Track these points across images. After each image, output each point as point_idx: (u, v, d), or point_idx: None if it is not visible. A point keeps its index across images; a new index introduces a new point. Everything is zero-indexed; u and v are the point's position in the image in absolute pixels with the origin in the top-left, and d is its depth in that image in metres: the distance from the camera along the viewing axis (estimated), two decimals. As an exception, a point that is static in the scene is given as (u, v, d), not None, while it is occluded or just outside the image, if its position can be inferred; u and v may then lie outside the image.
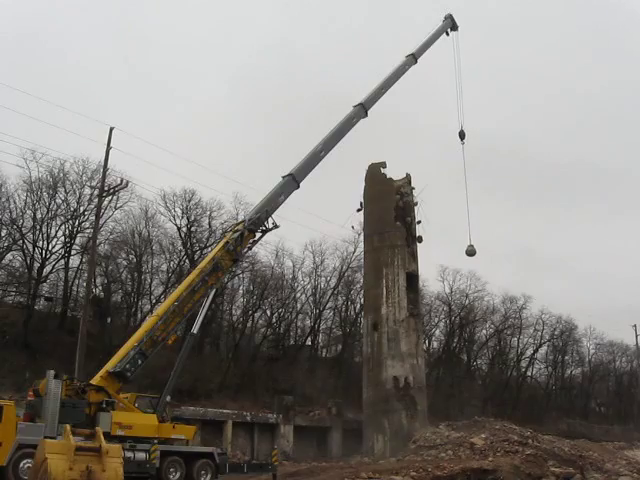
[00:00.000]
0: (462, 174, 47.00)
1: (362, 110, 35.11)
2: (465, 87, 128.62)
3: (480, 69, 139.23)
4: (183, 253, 48.43)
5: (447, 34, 45.12)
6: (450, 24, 45.40)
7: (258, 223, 27.65)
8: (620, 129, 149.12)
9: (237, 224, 28.36)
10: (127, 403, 22.76)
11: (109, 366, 22.26)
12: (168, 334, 23.71)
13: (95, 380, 21.92)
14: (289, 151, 33.06)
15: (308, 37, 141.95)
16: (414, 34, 45.73)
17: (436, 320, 67.72)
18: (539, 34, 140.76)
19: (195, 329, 25.40)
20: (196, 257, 45.80)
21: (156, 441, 22.07)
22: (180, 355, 25.05)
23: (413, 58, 40.18)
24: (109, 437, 20.29)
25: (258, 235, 28.01)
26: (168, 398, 24.35)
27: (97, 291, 45.90)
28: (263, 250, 53.64)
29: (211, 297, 26.15)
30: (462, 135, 46.29)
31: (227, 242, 26.38)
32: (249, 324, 54.12)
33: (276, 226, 28.15)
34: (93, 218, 38.70)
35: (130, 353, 22.41)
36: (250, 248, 29.48)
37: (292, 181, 29.94)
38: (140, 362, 22.59)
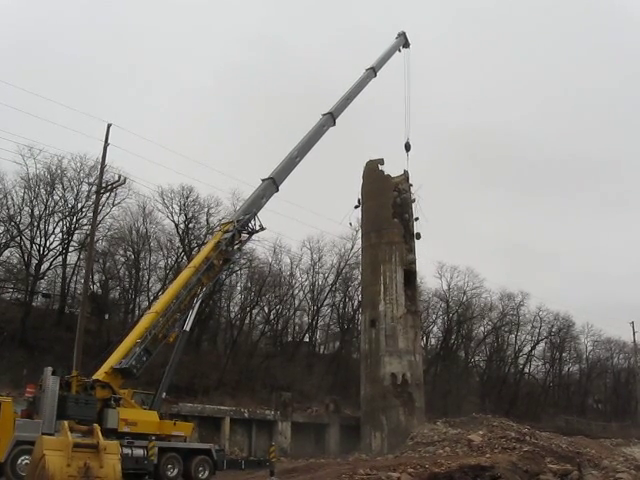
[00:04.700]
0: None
1: (331, 119, 36.00)
2: (466, 83, 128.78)
3: (481, 67, 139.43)
4: (181, 250, 48.34)
5: (399, 51, 45.71)
6: (403, 41, 46.19)
7: (246, 224, 27.96)
8: (617, 126, 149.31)
9: (226, 224, 28.57)
10: (129, 399, 22.80)
11: (113, 362, 22.25)
12: (168, 331, 23.77)
13: (99, 376, 21.95)
14: (287, 147, 33.29)
15: (302, 32, 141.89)
16: (407, 29, 45.93)
17: (434, 317, 67.87)
18: (540, 36, 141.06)
19: (187, 327, 25.49)
20: (193, 254, 45.73)
21: (154, 437, 22.10)
22: (174, 353, 25.10)
23: (373, 72, 40.87)
24: (116, 434, 20.36)
25: (245, 236, 28.37)
26: (163, 395, 24.39)
27: (95, 288, 45.84)
28: (261, 247, 53.73)
29: (201, 296, 26.36)
30: (407, 147, 46.56)
31: (219, 242, 26.58)
32: (247, 321, 54.14)
33: (262, 228, 28.70)
34: (91, 215, 38.61)
35: (135, 350, 22.44)
36: (239, 249, 29.91)
37: (272, 184, 30.56)
38: (145, 359, 22.67)
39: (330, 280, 58.45)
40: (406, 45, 46.36)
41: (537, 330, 72.90)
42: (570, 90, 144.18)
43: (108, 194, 39.75)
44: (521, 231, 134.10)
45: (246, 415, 39.56)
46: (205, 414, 36.95)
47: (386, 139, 79.04)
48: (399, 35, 46.12)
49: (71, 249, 43.32)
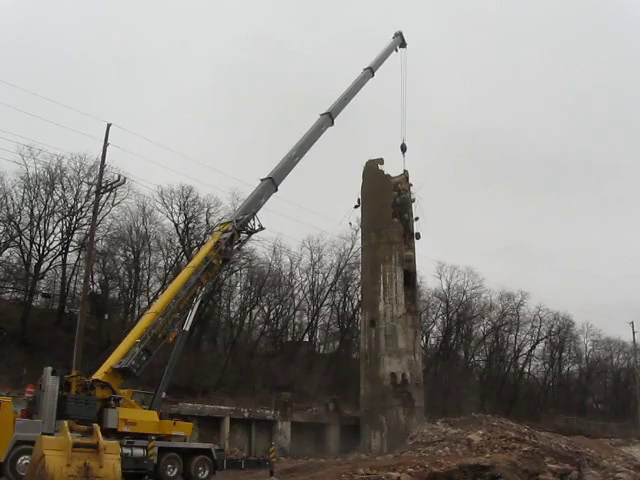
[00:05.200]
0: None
1: (329, 119, 36.05)
2: (466, 83, 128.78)
3: (481, 68, 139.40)
4: (180, 250, 48.37)
5: (396, 50, 45.83)
6: (400, 41, 46.36)
7: (245, 224, 27.99)
8: (617, 126, 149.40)
9: (225, 224, 28.59)
10: (129, 399, 22.78)
11: (112, 362, 22.24)
12: (167, 331, 23.78)
13: (99, 376, 21.91)
14: (287, 146, 33.17)
15: (301, 32, 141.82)
16: (407, 29, 46.28)
17: (433, 317, 67.94)
18: (541, 36, 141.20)
19: (187, 327, 25.46)
20: (193, 254, 45.74)
21: (153, 437, 22.08)
22: (173, 352, 25.08)
23: (370, 72, 41.01)
24: (115, 434, 20.34)
25: (244, 236, 28.39)
26: (163, 395, 24.36)
27: (94, 287, 45.80)
28: (261, 247, 53.71)
29: (201, 296, 26.35)
30: (403, 148, 46.75)
31: (218, 242, 26.60)
32: (247, 320, 54.16)
33: (261, 228, 28.67)
34: (90, 214, 38.59)
35: (135, 350, 22.44)
36: (238, 249, 29.89)
37: (271, 184, 30.56)
38: (145, 359, 22.67)
39: (330, 280, 58.58)
40: (403, 45, 46.57)
41: (537, 330, 73.12)
42: (570, 90, 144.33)
43: (108, 194, 39.78)
44: (521, 231, 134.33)
45: (246, 415, 39.55)
46: (205, 414, 36.93)
47: (386, 139, 78.95)
48: (396, 35, 46.30)
49: (71, 249, 43.38)
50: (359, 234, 51.14)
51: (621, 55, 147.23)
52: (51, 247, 42.24)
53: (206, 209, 48.78)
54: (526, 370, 75.16)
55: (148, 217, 48.21)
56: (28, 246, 41.65)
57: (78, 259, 44.01)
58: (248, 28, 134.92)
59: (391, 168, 48.26)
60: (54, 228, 42.44)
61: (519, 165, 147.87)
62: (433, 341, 70.44)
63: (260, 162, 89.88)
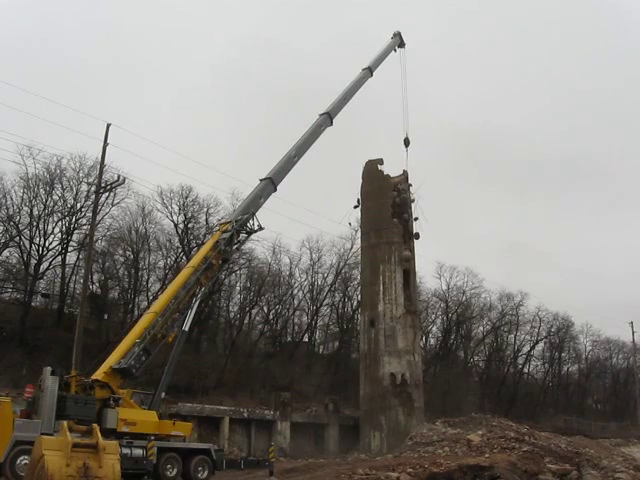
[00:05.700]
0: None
1: (328, 119, 36.11)
2: (466, 84, 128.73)
3: (481, 68, 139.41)
4: (180, 250, 48.36)
5: (395, 50, 45.91)
6: (398, 41, 46.46)
7: (245, 224, 27.99)
8: (616, 127, 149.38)
9: (224, 224, 28.59)
10: (128, 399, 22.77)
11: (112, 362, 22.23)
12: (167, 331, 23.77)
13: (98, 376, 21.91)
14: (287, 146, 33.19)
15: (300, 31, 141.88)
16: (407, 29, 46.44)
17: (433, 317, 68.00)
18: (540, 36, 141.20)
19: (186, 327, 25.44)
20: (193, 254, 45.74)
21: (153, 437, 22.08)
22: (172, 353, 25.07)
23: (369, 71, 41.08)
24: (115, 434, 20.33)
25: (243, 236, 28.40)
26: (163, 395, 24.36)
27: (94, 288, 45.80)
28: (260, 247, 53.67)
29: (200, 296, 26.34)
30: (407, 142, 46.79)
31: (217, 242, 26.60)
32: (246, 320, 54.17)
33: (261, 228, 28.70)
34: (90, 214, 38.57)
35: (134, 350, 22.44)
36: (237, 249, 29.91)
37: (270, 184, 30.57)
38: (144, 359, 22.67)
39: (329, 280, 58.56)
40: (401, 45, 46.67)
41: (536, 330, 73.11)
42: (570, 91, 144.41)
43: (107, 194, 39.80)
44: (521, 231, 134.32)
45: (245, 415, 39.56)
46: (204, 414, 36.94)
47: (386, 139, 79.32)
48: (394, 35, 46.38)
49: (70, 249, 43.36)
50: (359, 234, 51.17)
51: (621, 55, 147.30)
52: (50, 247, 42.28)
53: (206, 209, 48.86)
54: (525, 370, 75.21)
55: (148, 217, 48.31)
56: (27, 246, 41.67)
57: (78, 259, 44.03)
58: (248, 28, 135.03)
59: (391, 168, 48.37)
60: (53, 228, 42.51)
61: (519, 165, 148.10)
62: (432, 341, 70.59)
63: (260, 162, 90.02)
